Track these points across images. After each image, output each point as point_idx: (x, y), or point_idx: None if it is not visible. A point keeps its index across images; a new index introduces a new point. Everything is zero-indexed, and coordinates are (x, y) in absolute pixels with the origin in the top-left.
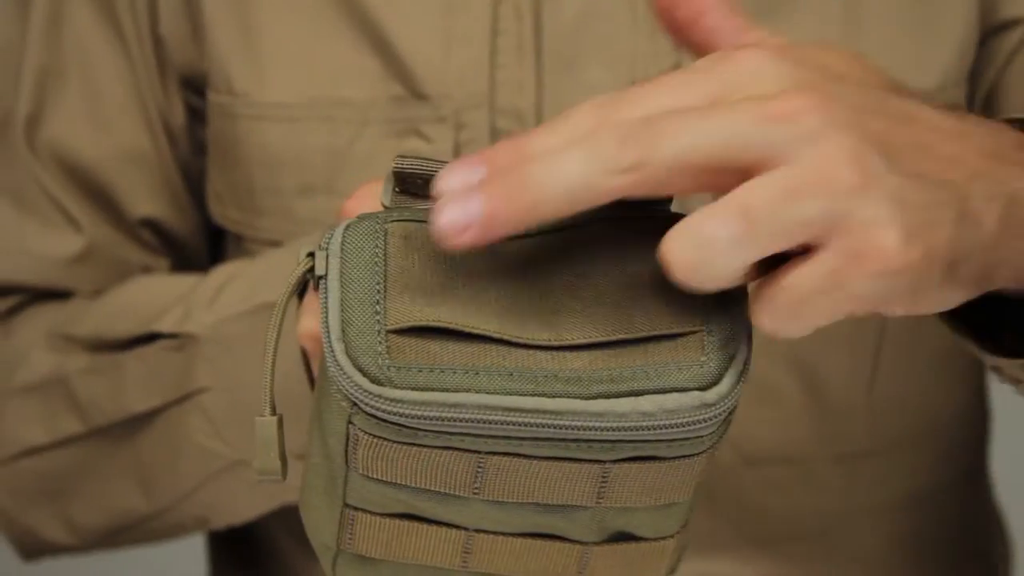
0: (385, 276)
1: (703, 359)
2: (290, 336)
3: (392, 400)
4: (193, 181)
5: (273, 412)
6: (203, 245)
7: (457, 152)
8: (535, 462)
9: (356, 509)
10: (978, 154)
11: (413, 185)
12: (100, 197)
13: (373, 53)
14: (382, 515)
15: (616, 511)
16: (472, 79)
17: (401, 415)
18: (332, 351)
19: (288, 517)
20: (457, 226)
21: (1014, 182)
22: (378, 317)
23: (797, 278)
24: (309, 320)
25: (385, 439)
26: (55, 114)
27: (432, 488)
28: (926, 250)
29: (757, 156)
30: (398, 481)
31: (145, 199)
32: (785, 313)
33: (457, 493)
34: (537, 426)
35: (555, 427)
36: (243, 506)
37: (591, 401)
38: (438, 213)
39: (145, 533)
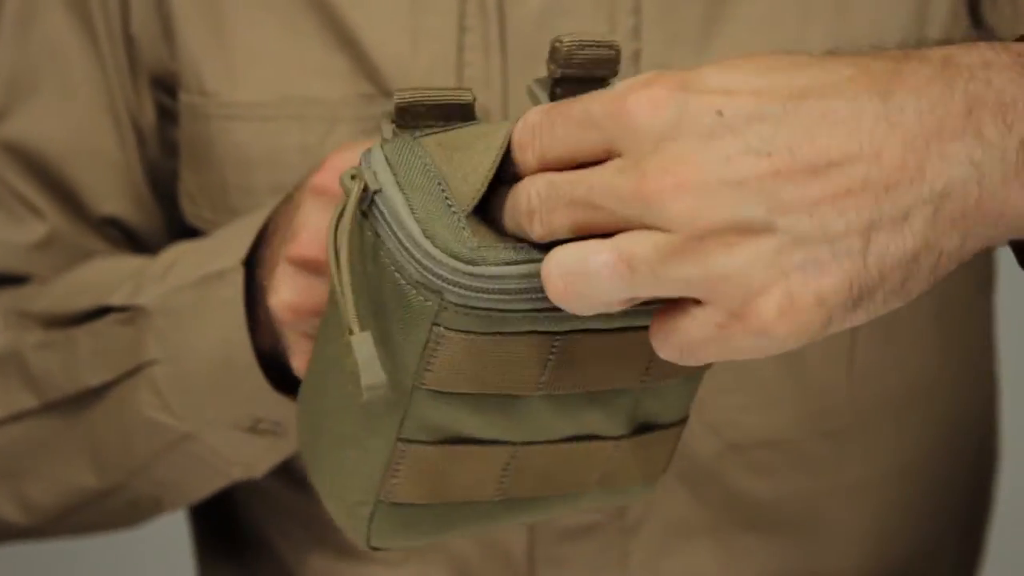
0: (439, 174)
1: None
2: (232, 305)
3: (490, 277)
4: (162, 182)
5: (362, 328)
6: (168, 243)
7: None
8: (602, 336)
9: (410, 442)
10: (905, 146)
11: (412, 117)
12: (64, 192)
13: (342, 52)
14: (434, 443)
15: (650, 395)
16: (439, 76)
17: (501, 291)
18: (419, 248)
19: (275, 507)
20: None
21: (949, 170)
22: (451, 207)
23: (686, 324)
24: (286, 292)
25: (473, 332)
26: (23, 110)
27: (500, 391)
28: (817, 299)
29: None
30: (468, 390)
31: (109, 198)
32: (679, 352)
33: (521, 392)
34: None
35: None
36: (194, 484)
37: None
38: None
39: (99, 513)
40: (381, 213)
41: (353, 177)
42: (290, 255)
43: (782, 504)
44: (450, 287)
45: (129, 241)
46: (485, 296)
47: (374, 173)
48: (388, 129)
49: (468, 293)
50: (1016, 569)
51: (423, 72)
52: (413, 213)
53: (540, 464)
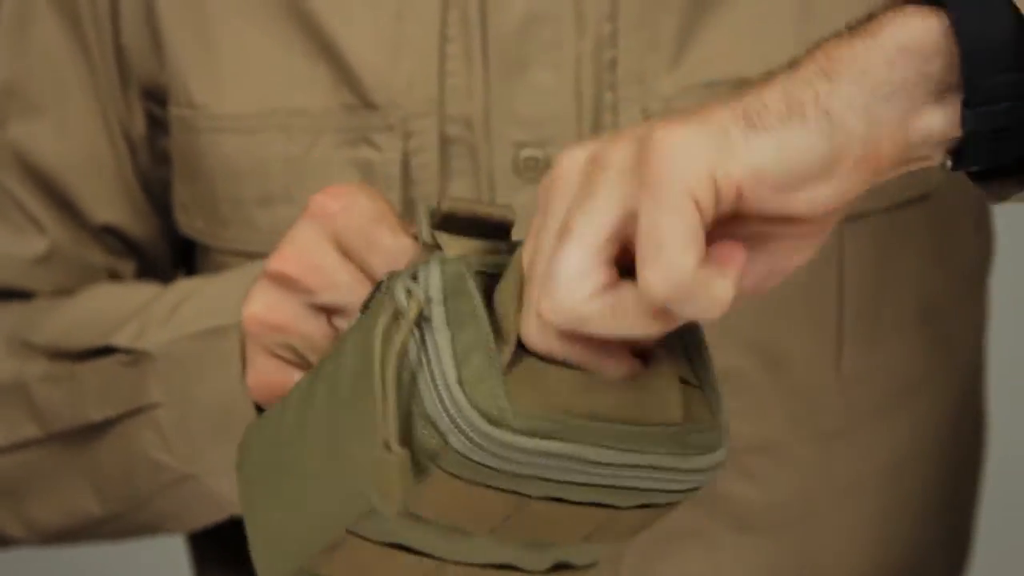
0: (488, 320)
1: (713, 420)
2: (231, 360)
3: (504, 444)
4: (154, 191)
5: (402, 444)
6: (166, 251)
7: (406, 161)
8: (568, 506)
9: (357, 536)
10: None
11: (453, 223)
12: (62, 202)
13: (325, 63)
14: (376, 543)
15: (580, 547)
16: (421, 87)
17: (506, 458)
18: (448, 391)
19: None
20: None
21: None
22: (493, 360)
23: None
24: (257, 304)
25: (460, 477)
26: (20, 118)
27: (456, 525)
28: None
29: None
30: (430, 518)
31: (106, 206)
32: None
33: (474, 532)
34: (626, 477)
35: (645, 479)
36: (194, 517)
37: (689, 458)
38: None
39: (101, 535)
40: (423, 340)
41: (409, 293)
42: (269, 268)
43: (773, 507)
44: (459, 435)
45: (128, 250)
46: (489, 455)
47: (428, 300)
48: (427, 231)
49: (473, 447)
50: (1005, 567)
51: (403, 82)
52: (454, 355)
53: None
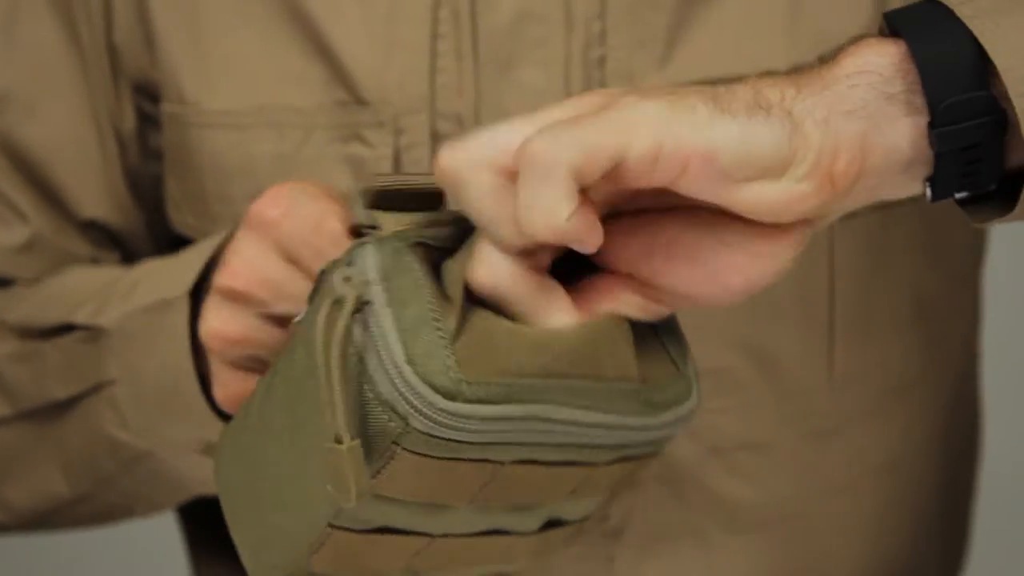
0: (430, 294)
1: (680, 371)
2: (178, 334)
3: (463, 416)
4: (143, 187)
5: (352, 436)
6: (151, 248)
7: (397, 157)
8: (543, 467)
9: (339, 528)
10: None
11: (385, 200)
12: (48, 194)
13: (317, 60)
14: (361, 531)
15: (567, 503)
16: (412, 84)
17: (464, 428)
18: (399, 372)
19: None
20: None
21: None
22: (440, 331)
23: None
24: (212, 319)
25: (427, 455)
26: (9, 110)
27: (435, 501)
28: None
29: None
30: (407, 498)
31: (92, 201)
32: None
33: (454, 504)
34: (596, 435)
35: (610, 435)
36: (160, 496)
37: (655, 414)
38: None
39: (73, 518)
40: (366, 324)
41: (347, 279)
42: (218, 284)
43: (766, 506)
44: (418, 415)
45: (113, 243)
46: (451, 429)
47: (366, 282)
48: (363, 213)
49: (434, 425)
50: (1003, 566)
51: (395, 79)
52: (400, 335)
53: (448, 550)
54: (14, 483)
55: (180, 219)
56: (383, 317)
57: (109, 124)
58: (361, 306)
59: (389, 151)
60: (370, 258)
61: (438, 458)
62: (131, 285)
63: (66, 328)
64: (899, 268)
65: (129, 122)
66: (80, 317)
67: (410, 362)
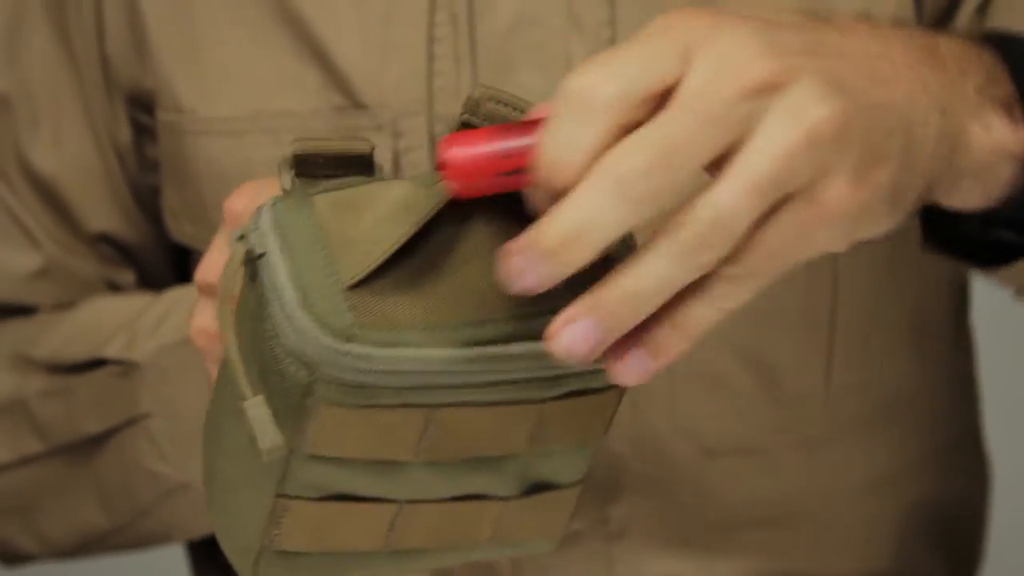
0: (327, 241)
1: None
2: None
3: (360, 356)
4: (144, 198)
5: (255, 393)
6: (163, 258)
7: (396, 160)
8: (481, 410)
9: (291, 498)
10: (906, 66)
11: (313, 167)
12: (58, 210)
13: (313, 64)
14: (317, 499)
15: (541, 456)
16: (409, 87)
17: (369, 371)
18: (293, 319)
19: None
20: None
21: (941, 91)
22: (333, 279)
23: (771, 231)
24: (197, 316)
25: (344, 404)
26: (15, 127)
27: (378, 457)
28: (874, 189)
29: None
30: (345, 455)
31: (99, 214)
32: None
33: (400, 458)
34: (496, 371)
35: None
36: (198, 524)
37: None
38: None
39: (112, 547)
40: (264, 277)
41: (242, 237)
42: (199, 281)
43: (760, 511)
44: (320, 362)
45: (125, 258)
46: (354, 373)
47: (261, 234)
48: (287, 179)
49: (337, 370)
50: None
51: (392, 83)
52: (293, 281)
53: (427, 520)
54: (50, 517)
55: (178, 228)
56: (277, 266)
57: (107, 137)
58: (256, 259)
59: (388, 154)
60: (265, 214)
61: (356, 406)
62: (160, 317)
63: (97, 363)
64: (903, 285)
65: (125, 134)
66: (111, 351)
67: (305, 306)
